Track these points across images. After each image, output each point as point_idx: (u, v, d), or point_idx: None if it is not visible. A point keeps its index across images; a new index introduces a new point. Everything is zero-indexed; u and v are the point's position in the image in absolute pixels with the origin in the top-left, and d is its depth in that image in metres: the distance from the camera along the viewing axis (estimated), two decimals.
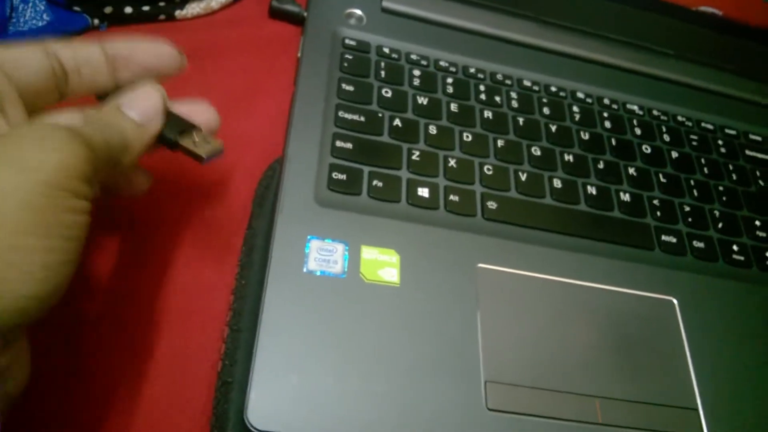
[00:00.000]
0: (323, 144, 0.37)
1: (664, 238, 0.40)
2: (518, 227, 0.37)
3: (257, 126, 0.40)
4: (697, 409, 0.33)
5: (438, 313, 0.32)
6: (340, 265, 0.32)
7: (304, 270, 0.31)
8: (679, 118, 0.48)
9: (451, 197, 0.37)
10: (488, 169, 0.39)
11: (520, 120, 0.43)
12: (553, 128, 0.43)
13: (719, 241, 0.41)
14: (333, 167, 0.36)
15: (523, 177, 0.39)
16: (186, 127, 0.29)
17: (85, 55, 0.27)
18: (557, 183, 0.40)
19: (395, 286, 0.32)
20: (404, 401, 0.29)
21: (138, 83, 0.28)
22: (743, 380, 0.35)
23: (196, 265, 0.34)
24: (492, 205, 0.37)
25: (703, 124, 0.49)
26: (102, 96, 0.28)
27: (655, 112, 0.48)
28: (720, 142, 0.48)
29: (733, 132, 0.49)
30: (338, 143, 0.37)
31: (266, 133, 0.40)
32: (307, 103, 0.38)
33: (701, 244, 0.41)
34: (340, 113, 0.39)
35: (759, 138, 0.50)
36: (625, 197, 0.41)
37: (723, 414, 0.34)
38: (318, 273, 0.32)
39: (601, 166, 0.42)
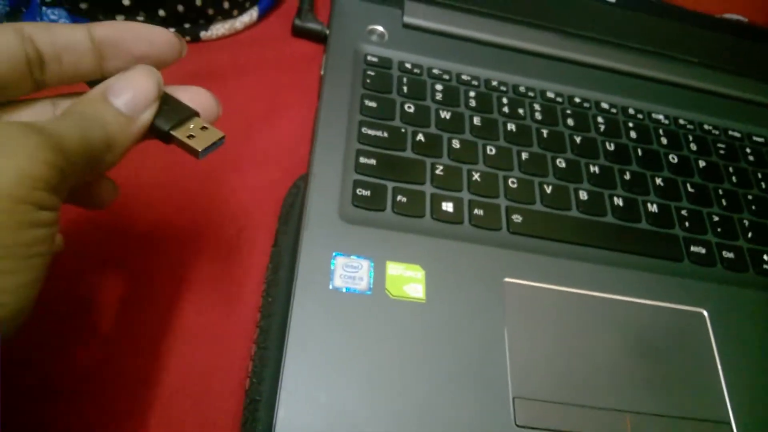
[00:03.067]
0: (347, 160, 0.37)
1: (693, 249, 0.40)
2: (544, 240, 0.37)
3: (281, 143, 0.41)
4: (729, 423, 0.33)
5: (465, 329, 0.32)
6: (366, 281, 0.32)
7: (330, 287, 0.32)
8: (706, 126, 0.48)
9: (476, 211, 0.37)
10: (513, 182, 0.39)
11: (544, 132, 0.42)
12: (578, 140, 0.43)
13: (749, 251, 0.41)
14: (357, 183, 0.36)
15: (549, 189, 0.39)
16: (181, 114, 0.25)
17: (66, 40, 0.23)
18: (583, 195, 0.40)
19: (421, 302, 0.32)
20: (432, 419, 0.29)
21: (131, 67, 0.24)
22: None
23: (221, 282, 0.34)
24: (517, 218, 0.37)
25: (730, 132, 0.48)
26: (93, 83, 0.24)
27: (681, 121, 0.47)
28: (747, 150, 0.47)
29: (761, 140, 0.48)
30: (362, 159, 0.37)
31: (290, 150, 0.40)
32: (331, 119, 0.39)
33: (731, 255, 0.40)
34: (364, 129, 0.39)
35: None
36: (653, 208, 0.41)
37: (756, 428, 0.33)
38: (344, 290, 0.32)
39: (627, 177, 0.42)
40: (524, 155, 0.41)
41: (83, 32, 0.23)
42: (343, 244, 0.33)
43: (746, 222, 0.42)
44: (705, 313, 0.36)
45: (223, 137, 0.25)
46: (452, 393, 0.30)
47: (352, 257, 0.33)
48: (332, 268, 0.32)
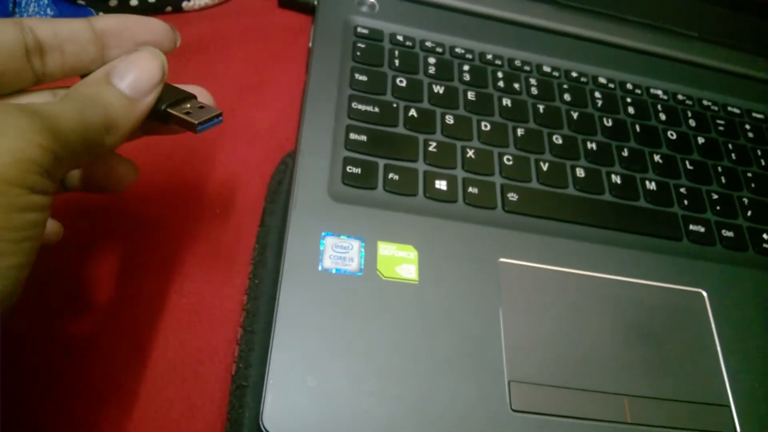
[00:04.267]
0: (337, 136, 0.36)
1: (691, 227, 0.39)
2: (540, 219, 0.36)
3: (268, 118, 0.39)
4: (729, 406, 0.32)
5: (459, 311, 0.31)
6: (356, 262, 0.31)
7: (320, 268, 0.30)
8: (705, 102, 0.47)
9: (470, 189, 0.36)
10: (508, 160, 0.38)
11: (541, 107, 0.41)
12: (575, 115, 0.41)
13: (749, 230, 0.40)
14: (347, 161, 0.35)
15: (545, 167, 0.38)
16: (177, 95, 0.25)
17: (68, 31, 0.23)
18: (580, 172, 0.38)
19: (414, 284, 0.31)
20: (425, 403, 0.28)
21: (134, 50, 0.24)
22: None
23: (207, 264, 0.33)
24: (513, 196, 0.36)
25: (729, 108, 0.47)
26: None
27: (679, 97, 0.46)
28: (747, 127, 0.46)
29: (760, 116, 0.47)
30: (352, 135, 0.36)
31: (277, 125, 0.39)
32: (320, 94, 0.37)
33: (730, 234, 0.39)
34: (354, 104, 0.37)
35: None
36: (651, 186, 0.40)
37: (756, 410, 0.32)
38: (334, 271, 0.30)
39: (625, 153, 0.41)
40: (520, 131, 0.39)
41: (84, 24, 0.24)
42: (333, 223, 0.32)
43: (746, 200, 0.41)
44: (704, 293, 0.36)
45: (220, 114, 0.25)
46: (446, 377, 0.29)
47: (342, 237, 0.32)
48: (321, 248, 0.31)
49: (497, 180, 0.37)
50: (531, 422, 0.29)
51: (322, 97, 0.37)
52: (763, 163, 0.44)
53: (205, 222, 0.34)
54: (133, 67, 0.23)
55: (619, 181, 0.39)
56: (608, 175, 0.39)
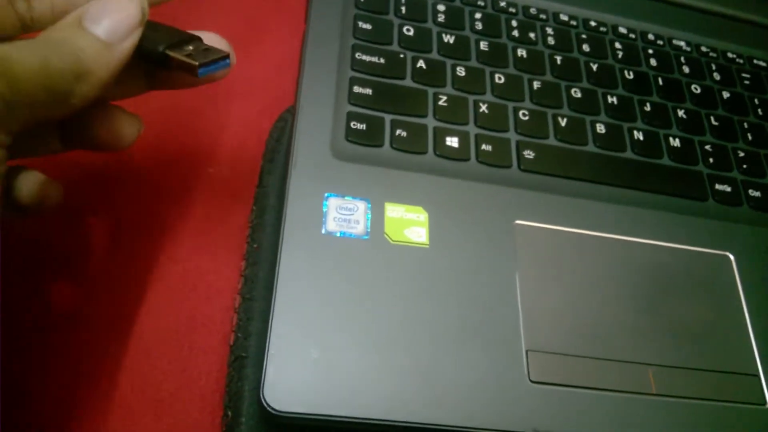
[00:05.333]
0: (340, 90, 0.34)
1: (717, 187, 0.37)
2: (558, 178, 0.34)
3: (264, 71, 0.37)
4: (758, 375, 0.31)
5: (472, 276, 0.29)
6: (363, 225, 0.29)
7: (323, 231, 0.28)
8: (730, 54, 0.44)
9: (484, 147, 0.34)
10: (524, 115, 0.35)
11: (558, 59, 0.39)
12: (595, 67, 0.39)
13: None
14: (351, 116, 0.33)
15: (563, 122, 0.36)
16: (179, 38, 0.23)
17: None
18: (600, 128, 0.36)
19: (424, 247, 0.29)
20: (436, 375, 0.26)
21: None
22: None
23: (201, 228, 0.31)
24: (529, 154, 0.34)
25: (755, 61, 0.45)
26: None
27: (703, 49, 0.43)
28: None
29: None
30: (356, 89, 0.34)
31: (274, 79, 0.37)
32: (320, 44, 0.35)
33: (758, 193, 0.37)
34: (357, 55, 0.35)
35: None
36: (675, 143, 0.37)
37: None
38: (338, 234, 0.28)
39: (647, 108, 0.38)
40: (536, 84, 0.37)
41: None
42: (337, 183, 0.30)
43: None
44: (731, 256, 0.34)
45: (227, 56, 0.23)
46: (459, 346, 0.27)
47: (347, 198, 0.30)
48: (325, 210, 0.29)
49: (512, 136, 0.35)
50: (550, 394, 0.27)
51: (323, 48, 0.35)
52: None
53: (198, 183, 0.32)
54: (108, 8, 0.21)
55: (641, 138, 0.37)
56: (630, 131, 0.37)
